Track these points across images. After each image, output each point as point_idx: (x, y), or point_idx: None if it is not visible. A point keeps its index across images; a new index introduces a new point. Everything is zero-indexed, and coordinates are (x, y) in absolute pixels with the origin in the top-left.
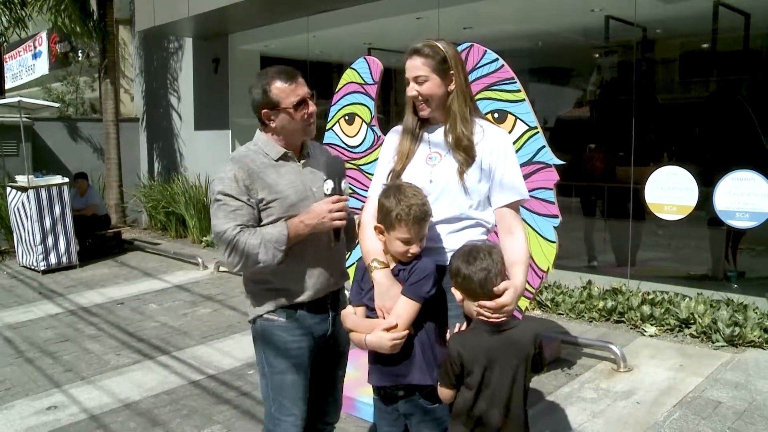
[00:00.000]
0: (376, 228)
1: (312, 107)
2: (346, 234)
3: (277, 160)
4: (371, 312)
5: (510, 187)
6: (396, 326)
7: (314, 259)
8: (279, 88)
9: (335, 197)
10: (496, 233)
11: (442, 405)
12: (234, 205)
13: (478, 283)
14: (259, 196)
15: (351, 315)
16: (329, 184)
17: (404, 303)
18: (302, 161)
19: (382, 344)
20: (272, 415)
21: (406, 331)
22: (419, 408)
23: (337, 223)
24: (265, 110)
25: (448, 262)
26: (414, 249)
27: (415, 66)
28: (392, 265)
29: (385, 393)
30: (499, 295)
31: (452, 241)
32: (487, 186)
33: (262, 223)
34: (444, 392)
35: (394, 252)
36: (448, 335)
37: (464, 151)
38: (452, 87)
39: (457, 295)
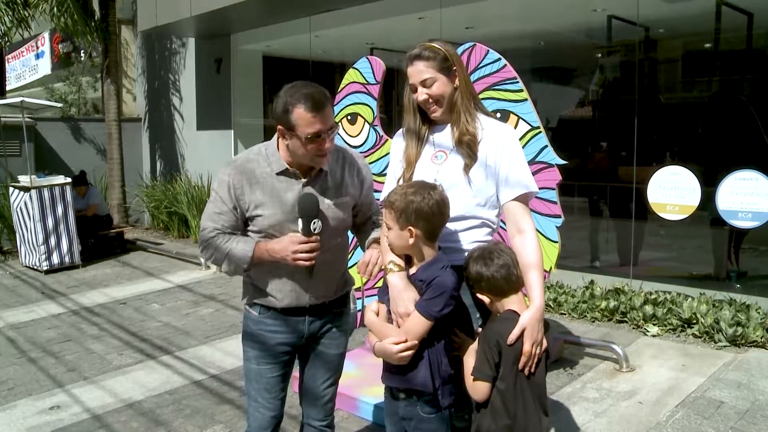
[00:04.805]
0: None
1: (328, 144)
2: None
3: (277, 174)
4: (390, 312)
5: (516, 182)
6: (405, 340)
7: (289, 277)
8: (300, 114)
9: (302, 238)
10: (499, 234)
11: (439, 414)
12: (220, 208)
13: (504, 280)
14: (247, 207)
15: (371, 313)
16: (299, 224)
17: (416, 318)
18: (305, 180)
19: (389, 356)
20: (247, 398)
21: (416, 343)
22: (417, 413)
23: (301, 263)
24: (280, 127)
25: (459, 262)
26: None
27: (419, 70)
28: (413, 270)
29: (391, 392)
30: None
31: (457, 240)
32: (494, 183)
33: (248, 229)
34: (479, 387)
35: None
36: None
37: (467, 146)
38: (457, 83)
39: (485, 299)
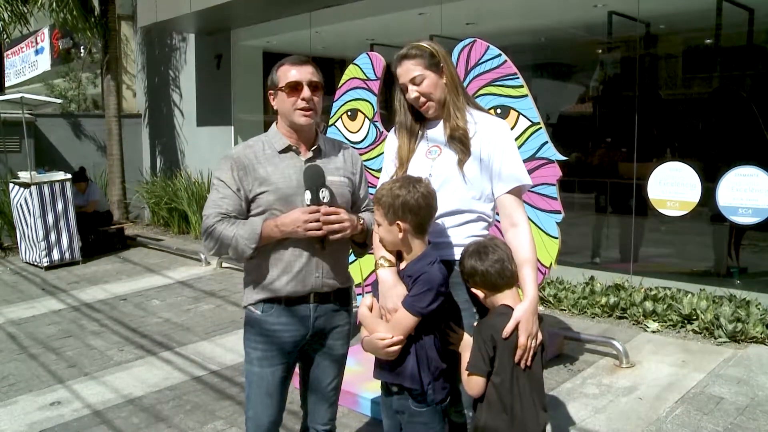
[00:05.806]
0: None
1: (305, 93)
2: (359, 242)
3: (280, 152)
4: None
5: (509, 175)
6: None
7: (295, 257)
8: (282, 69)
9: (312, 207)
10: (496, 227)
11: (430, 408)
12: (223, 192)
13: (497, 275)
14: (251, 188)
15: (364, 307)
16: (307, 195)
17: (402, 314)
18: (307, 157)
19: (376, 351)
20: (247, 403)
21: (401, 338)
22: (409, 407)
23: (311, 233)
24: (270, 91)
25: (451, 257)
26: None
27: (408, 69)
28: (403, 265)
29: (385, 386)
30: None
31: (454, 235)
32: (488, 177)
33: (250, 213)
34: (474, 381)
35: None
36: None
37: (459, 142)
38: (444, 79)
39: (479, 294)
